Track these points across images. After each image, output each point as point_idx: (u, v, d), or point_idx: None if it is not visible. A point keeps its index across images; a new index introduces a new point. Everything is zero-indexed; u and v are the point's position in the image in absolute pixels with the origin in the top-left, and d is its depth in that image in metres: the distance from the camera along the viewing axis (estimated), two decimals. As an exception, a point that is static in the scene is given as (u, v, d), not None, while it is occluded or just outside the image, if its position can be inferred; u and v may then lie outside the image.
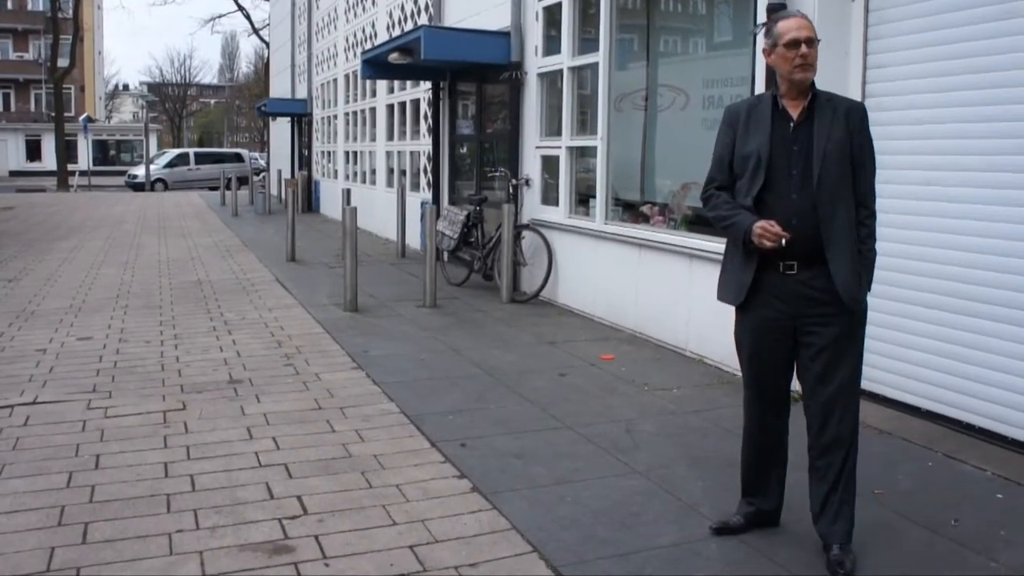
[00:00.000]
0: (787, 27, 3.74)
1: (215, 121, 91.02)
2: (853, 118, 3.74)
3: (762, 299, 3.83)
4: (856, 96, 6.02)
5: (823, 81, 5.63)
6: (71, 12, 45.55)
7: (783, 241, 3.61)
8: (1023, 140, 5.04)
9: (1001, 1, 5.15)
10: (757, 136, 3.80)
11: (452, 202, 13.34)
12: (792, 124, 3.76)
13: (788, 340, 3.82)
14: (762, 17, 6.45)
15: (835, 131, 3.69)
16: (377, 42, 16.75)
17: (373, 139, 18.36)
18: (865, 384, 6.03)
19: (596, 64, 9.00)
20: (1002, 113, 5.16)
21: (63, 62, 42.48)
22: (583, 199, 9.61)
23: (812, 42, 3.70)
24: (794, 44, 3.69)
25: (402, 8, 15.80)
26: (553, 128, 10.14)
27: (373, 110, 18.28)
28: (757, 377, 3.96)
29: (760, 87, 6.49)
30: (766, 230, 3.63)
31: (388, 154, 17.34)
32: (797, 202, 3.70)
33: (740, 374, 6.64)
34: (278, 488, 4.53)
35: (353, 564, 3.73)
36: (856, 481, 3.84)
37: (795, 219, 3.67)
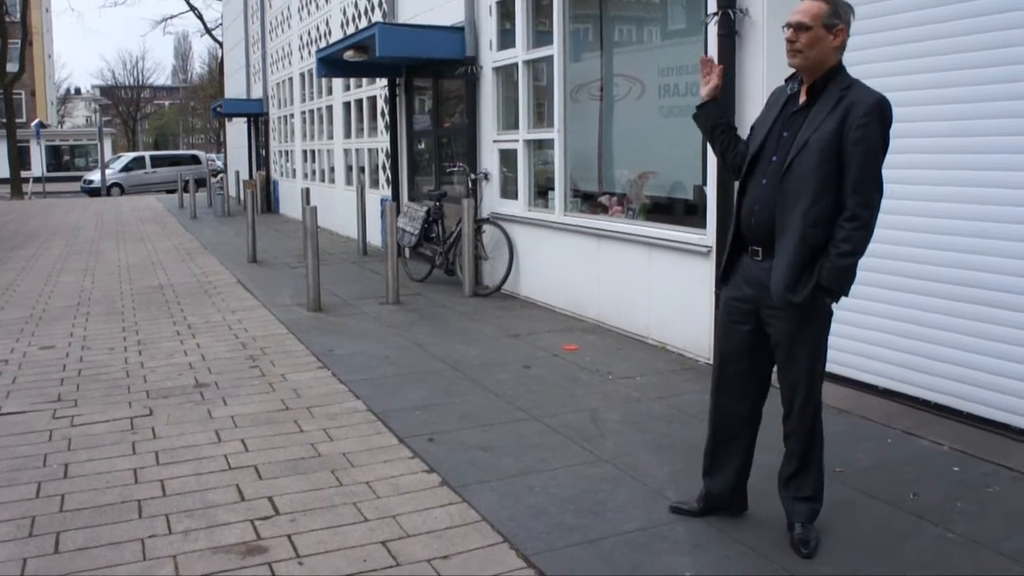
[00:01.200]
0: (792, 10, 3.69)
1: (170, 123, 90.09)
2: (856, 112, 3.49)
3: (735, 281, 3.88)
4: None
5: (775, 69, 5.70)
6: (19, 16, 44.90)
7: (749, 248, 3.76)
8: (973, 122, 5.17)
9: (949, 2, 5.27)
10: (767, 119, 3.81)
11: (412, 198, 13.36)
12: (794, 110, 3.71)
13: (752, 324, 3.83)
14: (713, 5, 6.53)
15: (828, 122, 3.53)
16: (331, 40, 16.71)
17: (331, 137, 18.32)
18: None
19: (551, 57, 9.05)
20: (952, 95, 5.28)
21: (12, 67, 41.85)
22: (542, 191, 9.67)
23: (801, 27, 3.56)
24: (785, 28, 3.64)
25: (355, 5, 15.77)
26: (510, 122, 10.19)
27: (330, 108, 18.22)
28: (720, 357, 4.00)
29: (712, 75, 6.57)
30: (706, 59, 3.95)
31: (346, 152, 17.31)
32: (764, 188, 3.68)
33: (701, 360, 6.76)
34: (249, 490, 4.55)
35: (326, 562, 3.77)
36: (823, 469, 3.91)
37: (758, 205, 3.70)
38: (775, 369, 3.92)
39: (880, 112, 3.53)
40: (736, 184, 4.05)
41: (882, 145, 3.57)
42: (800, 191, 3.56)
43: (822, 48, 3.59)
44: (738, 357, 3.92)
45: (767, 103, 3.94)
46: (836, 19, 3.60)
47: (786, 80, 3.84)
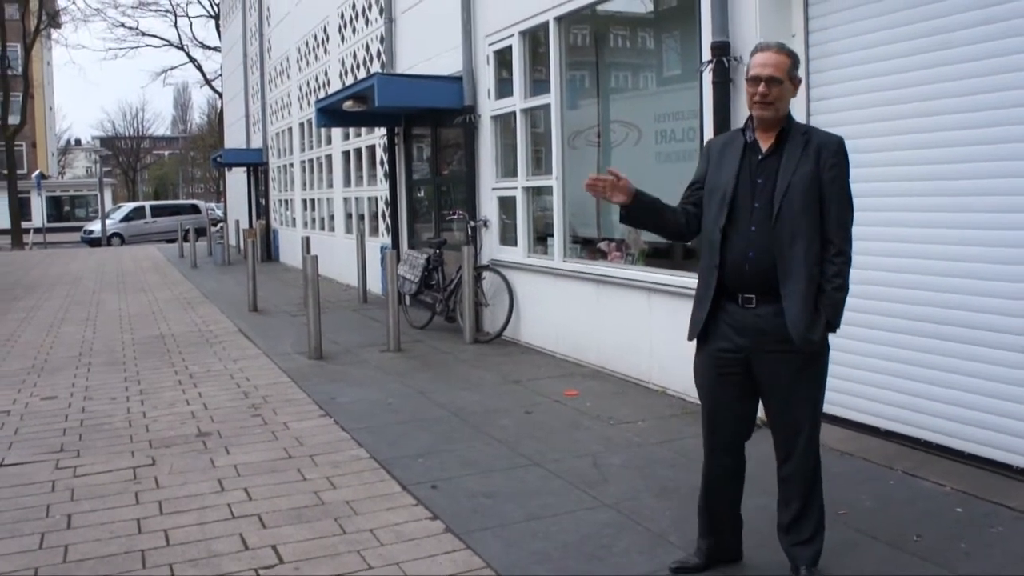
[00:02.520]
0: (754, 61, 3.74)
1: (170, 173, 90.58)
2: (826, 152, 3.66)
3: (721, 332, 3.83)
4: (801, 128, 6.20)
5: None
6: (20, 69, 45.32)
7: (740, 297, 3.73)
8: (962, 165, 5.24)
9: (935, 32, 5.36)
10: (727, 169, 3.80)
11: (412, 246, 13.42)
12: (760, 157, 3.76)
13: (743, 374, 3.81)
14: (707, 53, 6.64)
15: (804, 165, 3.64)
16: (330, 90, 16.88)
17: (330, 186, 18.43)
18: (825, 407, 6.18)
19: (548, 105, 9.15)
20: (942, 139, 5.35)
21: (14, 119, 42.20)
22: (541, 238, 9.74)
23: (774, 81, 3.65)
24: (755, 81, 3.69)
25: (354, 56, 15.95)
26: (508, 169, 10.28)
27: (329, 157, 18.35)
28: (711, 411, 3.95)
29: (708, 120, 6.66)
30: (593, 182, 3.80)
31: (346, 200, 17.41)
32: (755, 235, 3.69)
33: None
34: (253, 538, 4.55)
35: (331, 610, 3.77)
36: (824, 508, 3.89)
37: (752, 252, 3.69)
38: (764, 414, 3.92)
39: (845, 150, 3.74)
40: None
41: (848, 179, 3.75)
42: (795, 233, 3.63)
43: (787, 99, 3.75)
44: (730, 408, 3.89)
45: (713, 153, 3.95)
46: (796, 70, 3.78)
47: (741, 130, 3.90)
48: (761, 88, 3.67)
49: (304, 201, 20.94)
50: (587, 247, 8.99)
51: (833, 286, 3.66)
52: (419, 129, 13.53)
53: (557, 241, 9.15)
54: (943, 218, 5.37)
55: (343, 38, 16.63)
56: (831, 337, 3.81)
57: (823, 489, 3.91)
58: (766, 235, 3.67)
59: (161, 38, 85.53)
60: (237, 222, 29.08)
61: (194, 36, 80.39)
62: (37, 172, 46.45)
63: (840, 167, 3.69)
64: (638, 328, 7.76)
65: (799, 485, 3.82)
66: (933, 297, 5.44)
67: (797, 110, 6.19)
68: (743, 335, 3.76)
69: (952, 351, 5.34)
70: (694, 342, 4.00)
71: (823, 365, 3.81)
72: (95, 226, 41.78)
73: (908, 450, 5.58)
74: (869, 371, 5.87)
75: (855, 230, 5.74)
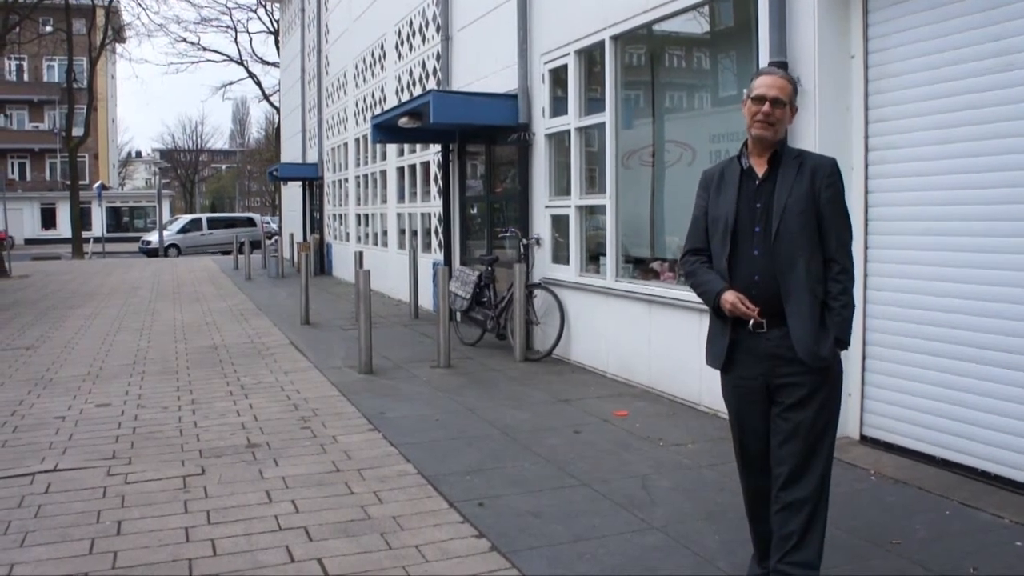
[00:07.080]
0: (758, 82, 3.79)
1: (227, 186, 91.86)
2: (820, 174, 3.71)
3: (740, 360, 3.83)
4: (859, 150, 6.14)
5: (827, 136, 5.78)
6: (86, 83, 46.23)
7: (751, 322, 3.70)
8: (1022, 189, 5.13)
9: (998, 54, 5.26)
10: (726, 197, 3.85)
11: (464, 263, 13.44)
12: (757, 182, 3.79)
13: (766, 400, 3.80)
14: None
15: (799, 186, 3.69)
16: (386, 106, 16.99)
17: (384, 201, 18.54)
18: (878, 433, 6.10)
19: (603, 124, 9.13)
20: (1002, 163, 5.25)
21: (78, 131, 43.00)
22: (593, 257, 9.70)
23: (778, 102, 3.71)
24: (759, 100, 3.73)
25: (410, 73, 16.06)
26: (562, 187, 10.27)
27: (384, 173, 18.47)
28: (740, 438, 3.95)
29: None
30: (735, 307, 3.69)
31: (399, 216, 17.50)
32: (759, 259, 3.72)
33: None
34: (299, 551, 4.56)
35: (374, 625, 3.75)
36: (823, 546, 3.75)
37: (757, 275, 3.71)
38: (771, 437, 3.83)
39: (839, 171, 3.79)
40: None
41: (844, 199, 3.82)
42: (794, 252, 3.66)
43: (785, 123, 3.81)
44: (759, 435, 3.86)
45: (712, 182, 3.99)
46: (795, 96, 3.85)
47: (736, 157, 3.92)
48: (765, 107, 3.73)
49: (358, 216, 21.09)
50: (639, 267, 8.94)
51: (840, 303, 3.69)
52: (473, 146, 13.57)
53: (609, 260, 9.11)
54: (1006, 243, 5.25)
55: (400, 55, 16.76)
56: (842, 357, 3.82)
57: (825, 526, 3.77)
58: (768, 258, 3.71)
59: (222, 53, 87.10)
60: (292, 235, 29.37)
61: (254, 52, 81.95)
62: (98, 183, 47.40)
63: (835, 187, 3.74)
64: (689, 349, 7.69)
65: (803, 511, 3.68)
66: (992, 324, 5.32)
67: (855, 133, 6.15)
68: (760, 360, 3.76)
69: (1013, 379, 5.21)
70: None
71: (840, 383, 3.81)
72: (153, 237, 42.51)
73: (965, 480, 5.45)
74: (925, 398, 5.75)
75: (925, 255, 5.72)
